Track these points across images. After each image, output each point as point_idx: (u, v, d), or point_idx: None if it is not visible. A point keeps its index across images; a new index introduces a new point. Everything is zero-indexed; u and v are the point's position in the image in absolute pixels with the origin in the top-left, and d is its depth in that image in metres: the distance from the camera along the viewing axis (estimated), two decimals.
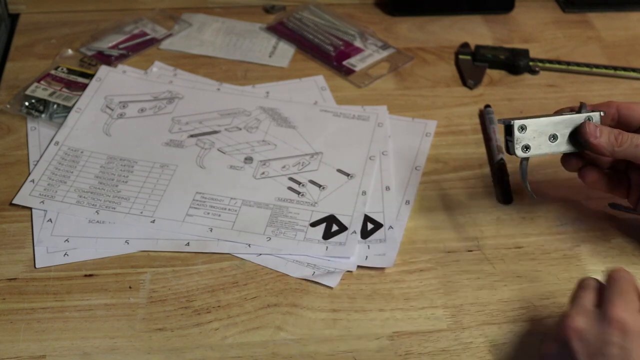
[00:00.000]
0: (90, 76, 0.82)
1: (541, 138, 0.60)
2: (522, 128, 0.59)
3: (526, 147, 0.60)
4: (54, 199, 0.68)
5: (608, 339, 0.47)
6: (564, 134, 0.60)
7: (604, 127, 0.59)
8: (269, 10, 0.96)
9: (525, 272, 0.63)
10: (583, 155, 0.62)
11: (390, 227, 0.67)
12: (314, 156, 0.74)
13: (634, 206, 0.62)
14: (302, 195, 0.69)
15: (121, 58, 0.86)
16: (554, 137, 0.60)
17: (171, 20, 0.93)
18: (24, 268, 0.62)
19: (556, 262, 0.64)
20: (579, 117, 0.60)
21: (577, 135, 0.60)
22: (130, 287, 0.61)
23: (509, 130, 0.60)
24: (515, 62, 0.86)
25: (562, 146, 0.60)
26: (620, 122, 0.61)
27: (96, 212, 0.67)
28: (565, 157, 0.62)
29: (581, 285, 0.53)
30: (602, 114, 0.60)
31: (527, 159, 0.61)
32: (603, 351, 0.47)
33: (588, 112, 0.60)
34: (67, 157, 0.72)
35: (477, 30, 0.94)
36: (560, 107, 0.64)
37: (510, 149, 0.60)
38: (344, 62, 0.87)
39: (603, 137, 0.58)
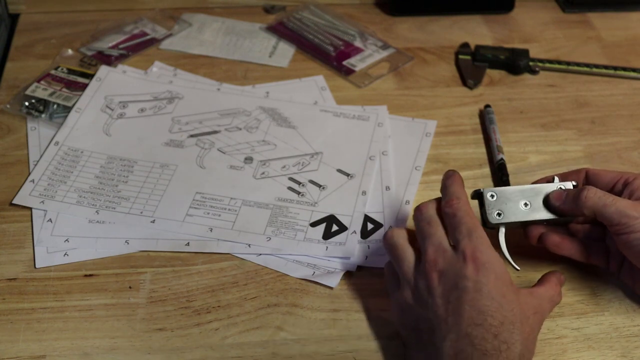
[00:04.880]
0: (90, 76, 0.82)
1: (514, 205, 0.59)
2: (493, 195, 0.59)
3: (499, 214, 0.59)
4: (54, 199, 0.68)
5: (463, 273, 0.51)
6: (536, 202, 0.60)
7: (570, 190, 0.59)
8: (269, 10, 0.96)
9: (525, 272, 0.63)
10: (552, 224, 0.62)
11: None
12: (314, 156, 0.74)
13: (617, 274, 0.61)
14: (302, 195, 0.69)
15: (121, 58, 0.86)
16: (526, 205, 0.60)
17: (171, 20, 0.93)
18: (24, 268, 0.62)
19: (555, 262, 0.64)
20: (549, 186, 0.60)
21: (548, 203, 0.59)
22: (130, 287, 0.61)
23: (480, 199, 0.60)
24: (515, 62, 0.86)
25: (536, 213, 0.60)
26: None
27: (96, 212, 0.67)
28: (527, 229, 0.61)
29: (426, 220, 0.56)
30: (573, 183, 0.60)
31: (503, 226, 0.60)
32: (458, 284, 0.51)
33: (559, 183, 0.60)
34: (67, 157, 0.72)
35: (477, 30, 0.94)
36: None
37: (484, 219, 0.59)
38: (344, 62, 0.87)
39: (568, 199, 0.58)
